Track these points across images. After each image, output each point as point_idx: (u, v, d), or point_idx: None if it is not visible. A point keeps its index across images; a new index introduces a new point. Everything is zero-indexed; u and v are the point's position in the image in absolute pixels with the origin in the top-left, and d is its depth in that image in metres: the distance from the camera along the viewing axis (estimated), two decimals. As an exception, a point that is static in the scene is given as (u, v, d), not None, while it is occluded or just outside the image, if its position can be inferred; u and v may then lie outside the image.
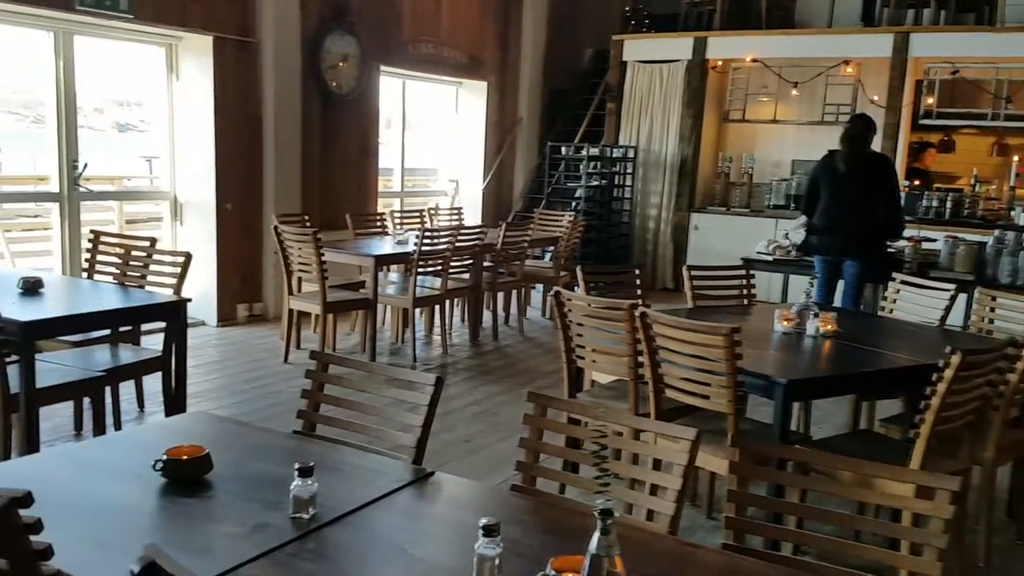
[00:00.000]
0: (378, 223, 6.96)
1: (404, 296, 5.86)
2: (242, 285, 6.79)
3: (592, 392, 3.80)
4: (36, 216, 8.10)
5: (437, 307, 6.31)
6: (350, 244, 6.13)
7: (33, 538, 1.40)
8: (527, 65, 9.42)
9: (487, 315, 6.82)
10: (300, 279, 5.76)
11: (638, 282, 4.47)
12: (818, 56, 8.41)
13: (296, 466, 1.80)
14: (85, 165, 5.82)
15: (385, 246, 6.16)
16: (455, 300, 6.92)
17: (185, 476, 1.92)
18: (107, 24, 5.66)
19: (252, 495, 1.91)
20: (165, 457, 1.92)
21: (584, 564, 1.45)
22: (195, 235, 6.52)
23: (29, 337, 3.33)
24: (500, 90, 9.23)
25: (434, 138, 9.68)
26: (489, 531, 1.57)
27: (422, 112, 9.64)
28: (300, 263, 5.62)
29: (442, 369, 5.80)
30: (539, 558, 1.61)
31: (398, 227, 6.95)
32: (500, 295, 6.96)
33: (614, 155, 9.03)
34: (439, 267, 5.86)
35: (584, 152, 8.86)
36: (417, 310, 6.08)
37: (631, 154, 9.14)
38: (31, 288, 3.79)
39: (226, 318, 6.66)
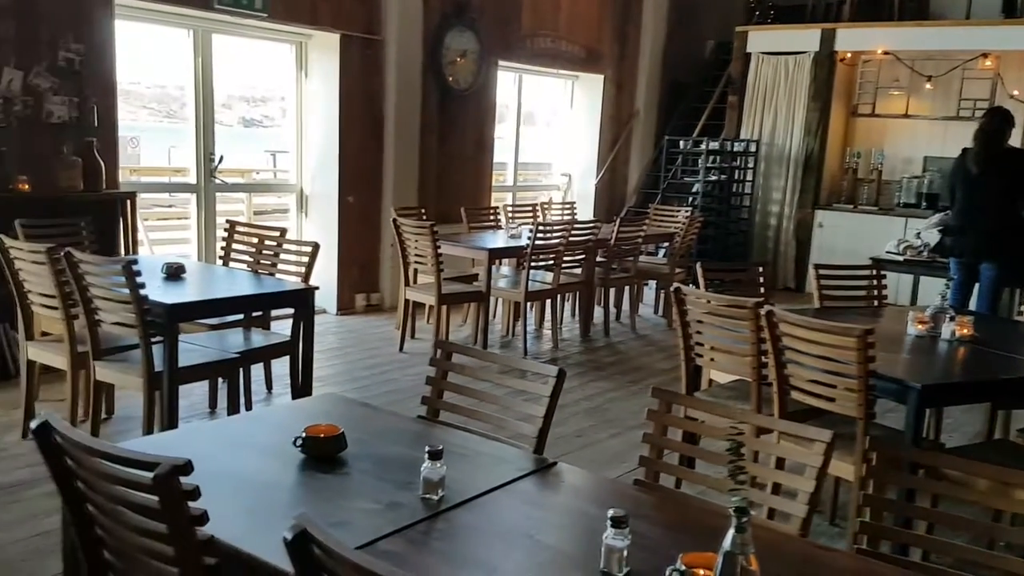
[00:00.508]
0: (491, 217, 7.04)
1: (516, 290, 5.91)
2: (360, 275, 7.01)
3: (710, 391, 3.74)
4: (170, 206, 8.61)
5: (548, 301, 6.33)
6: (464, 237, 6.23)
7: (191, 504, 1.50)
8: (645, 58, 9.31)
9: (598, 311, 6.79)
10: (416, 271, 5.90)
11: (761, 280, 4.36)
12: (954, 49, 7.95)
13: (427, 449, 1.85)
14: (221, 158, 6.14)
15: (498, 240, 6.23)
16: (567, 295, 6.92)
17: (322, 453, 2.01)
18: (242, 23, 5.94)
19: (383, 474, 1.98)
20: (304, 435, 2.01)
21: (717, 561, 1.44)
22: (318, 226, 6.77)
23: (173, 319, 3.54)
24: (617, 83, 9.16)
25: (548, 132, 9.71)
26: (618, 523, 1.58)
27: (537, 106, 9.68)
28: (416, 255, 5.75)
29: (552, 364, 5.81)
30: (665, 552, 1.61)
31: (511, 221, 7.01)
32: (612, 291, 6.91)
33: (735, 149, 8.82)
34: (552, 261, 5.88)
35: (703, 146, 8.69)
36: (528, 304, 6.12)
37: (753, 148, 8.90)
38: (174, 273, 4.03)
39: (345, 307, 6.89)
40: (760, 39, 8.98)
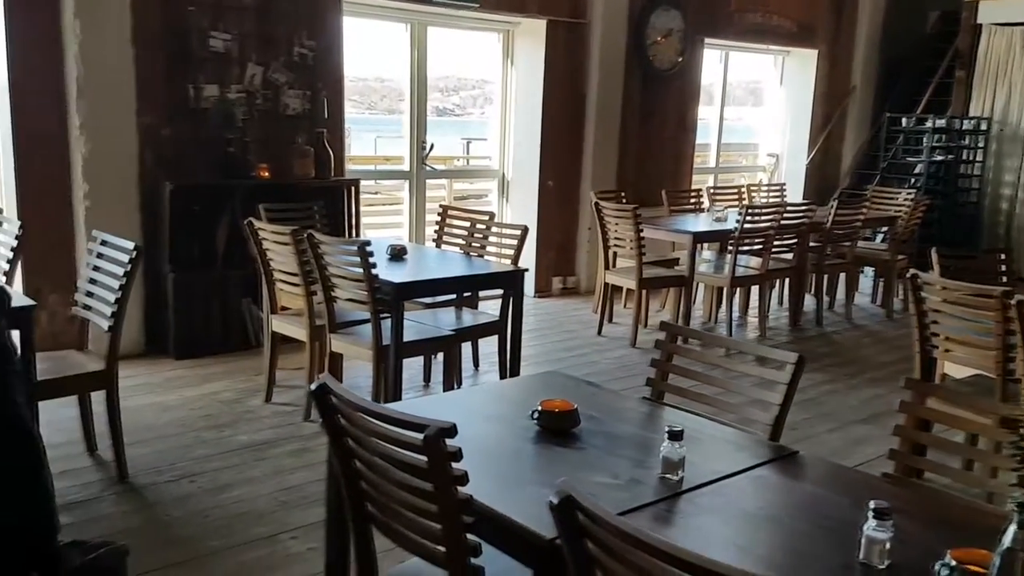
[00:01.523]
0: (692, 200, 6.89)
1: (720, 275, 5.76)
2: (557, 259, 7.10)
3: (945, 386, 3.46)
4: (376, 193, 9.12)
5: (754, 288, 6.11)
6: (665, 220, 6.14)
7: (454, 465, 1.58)
8: (863, 31, 8.72)
9: (808, 299, 6.48)
10: (615, 254, 5.89)
11: (1003, 268, 3.98)
12: None
13: (667, 429, 1.84)
14: (432, 146, 6.43)
15: (701, 223, 6.09)
16: (775, 281, 6.65)
17: (557, 427, 2.05)
18: (456, 14, 6.17)
19: (618, 451, 2.00)
20: (540, 408, 2.06)
21: (994, 559, 1.34)
22: (518, 210, 6.92)
23: (399, 297, 3.76)
24: (830, 59, 8.64)
25: (754, 111, 9.34)
26: (881, 514, 1.50)
27: (743, 84, 9.34)
28: (616, 238, 5.74)
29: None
30: (927, 547, 1.52)
31: (714, 204, 6.83)
32: (825, 278, 6.56)
33: (963, 127, 8.08)
34: (760, 246, 5.67)
35: (928, 124, 8.03)
36: (733, 290, 5.93)
37: (983, 126, 8.12)
38: (397, 255, 4.28)
39: (542, 290, 7.01)
40: (992, 9, 8.16)
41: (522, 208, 6.91)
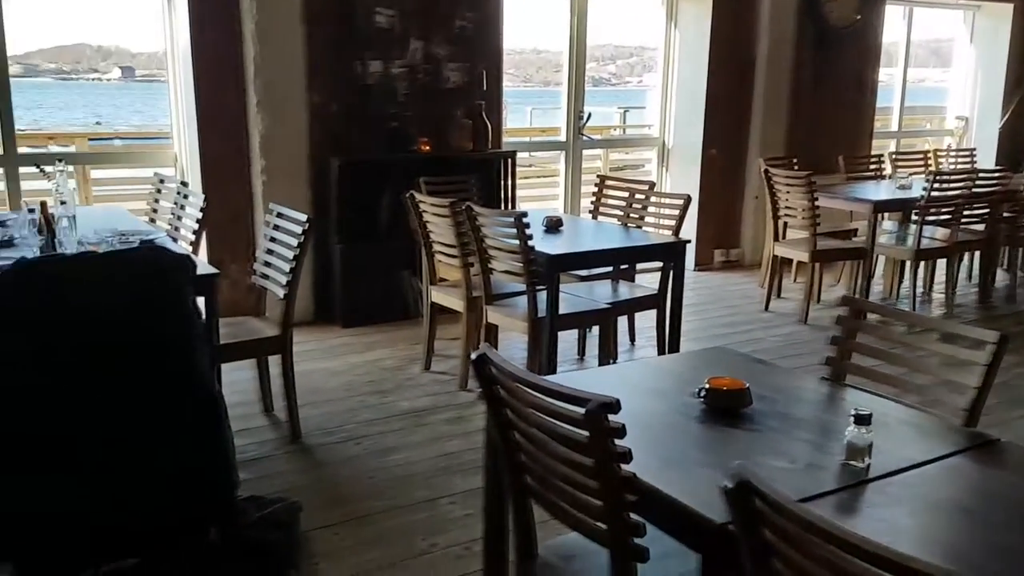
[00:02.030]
0: (872, 166, 6.41)
1: (903, 247, 5.33)
2: (719, 230, 6.83)
3: None
4: (530, 165, 9.12)
5: (940, 261, 5.61)
6: (841, 188, 5.74)
7: (617, 442, 1.51)
8: (1071, -24, 7.79)
9: (1000, 274, 5.89)
10: (785, 225, 5.58)
11: None
12: None
13: (853, 412, 1.69)
14: (589, 115, 6.33)
15: (882, 191, 5.65)
16: (963, 255, 6.09)
17: (725, 406, 1.94)
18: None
19: (794, 434, 1.86)
20: (708, 386, 1.95)
21: None
22: (678, 180, 6.70)
23: (555, 269, 3.72)
24: (1030, 11, 7.79)
25: (939, 72, 8.57)
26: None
27: (925, 44, 8.59)
28: (787, 208, 5.43)
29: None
30: None
31: (897, 170, 6.32)
32: (1021, 251, 5.94)
33: None
34: (948, 216, 5.19)
35: None
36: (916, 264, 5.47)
37: None
38: (553, 226, 4.23)
39: (702, 263, 6.77)
40: None
41: (683, 177, 6.68)
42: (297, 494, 2.95)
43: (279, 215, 3.61)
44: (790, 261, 5.83)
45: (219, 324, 3.24)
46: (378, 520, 2.90)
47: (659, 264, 4.40)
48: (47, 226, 3.15)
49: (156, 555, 2.60)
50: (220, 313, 3.36)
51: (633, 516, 1.57)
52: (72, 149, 7.32)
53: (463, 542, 2.77)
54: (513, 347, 4.55)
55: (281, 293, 3.42)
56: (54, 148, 7.42)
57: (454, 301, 4.14)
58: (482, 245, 3.82)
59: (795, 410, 2.00)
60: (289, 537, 2.69)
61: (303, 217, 3.42)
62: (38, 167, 3.90)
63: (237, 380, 3.79)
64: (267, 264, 3.58)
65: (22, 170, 4.58)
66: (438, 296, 4.25)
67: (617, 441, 1.50)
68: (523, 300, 3.79)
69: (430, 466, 3.31)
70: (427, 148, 5.21)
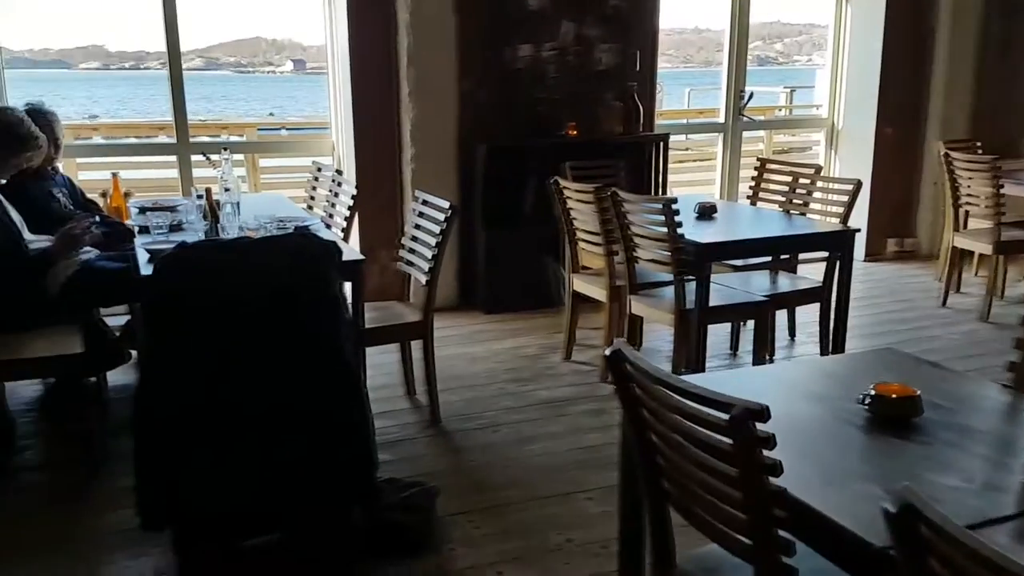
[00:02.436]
0: (1071, 150, 5.72)
1: (1110, 239, 4.70)
2: (892, 218, 6.32)
3: None
4: (687, 149, 8.81)
5: None
6: (1033, 174, 5.15)
7: (764, 453, 1.36)
8: None
9: None
10: (967, 213, 5.08)
11: None
12: None
13: (1048, 428, 1.45)
14: (751, 95, 6.01)
15: (1084, 178, 5.02)
16: None
17: (893, 415, 1.73)
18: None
19: (970, 449, 1.63)
20: (874, 392, 1.75)
21: None
22: (848, 163, 6.25)
23: (705, 258, 3.53)
24: None
25: None
26: None
27: None
28: (968, 195, 4.94)
29: None
30: None
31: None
32: None
33: None
34: None
35: None
36: None
37: None
38: (705, 213, 4.02)
39: (873, 253, 6.29)
40: None
41: (853, 161, 6.22)
42: (434, 479, 2.95)
43: (424, 202, 3.63)
44: (971, 253, 5.31)
45: (365, 309, 3.29)
46: (514, 510, 2.85)
47: (824, 254, 4.10)
48: (212, 212, 3.31)
49: (300, 531, 2.67)
50: (370, 298, 3.43)
51: (782, 533, 1.42)
52: (243, 138, 7.77)
53: (599, 540, 2.68)
54: (659, 340, 4.40)
55: (424, 279, 3.44)
56: (227, 137, 7.90)
57: (597, 290, 4.02)
58: (627, 232, 3.69)
59: (972, 421, 1.76)
60: (426, 521, 2.69)
61: (446, 204, 3.42)
62: (205, 156, 4.11)
63: (382, 363, 3.86)
64: (411, 250, 3.61)
65: (194, 158, 4.86)
66: (580, 285, 4.16)
67: (766, 451, 1.35)
68: (670, 291, 3.63)
69: (568, 459, 3.22)
70: (575, 132, 5.11)
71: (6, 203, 3.36)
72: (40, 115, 3.64)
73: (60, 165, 4.08)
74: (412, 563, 2.56)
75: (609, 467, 3.11)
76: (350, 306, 2.93)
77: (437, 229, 3.41)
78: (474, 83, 4.98)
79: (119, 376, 3.84)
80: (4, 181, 3.48)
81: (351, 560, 2.57)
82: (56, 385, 3.73)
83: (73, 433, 3.23)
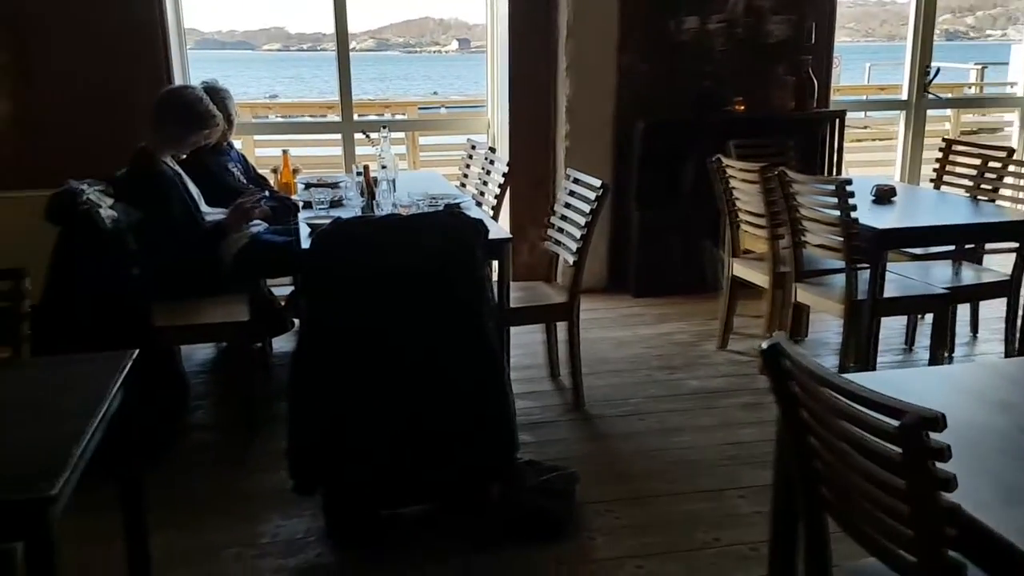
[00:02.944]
0: None
1: None
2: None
3: None
4: (865, 127, 8.20)
5: None
6: None
7: (938, 465, 1.20)
8: None
9: None
10: None
11: None
12: None
13: None
14: (937, 70, 5.50)
15: None
16: None
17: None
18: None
19: None
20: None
21: None
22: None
23: (881, 246, 3.25)
24: None
25: None
26: None
27: None
28: None
29: None
30: None
31: None
32: None
33: None
34: None
35: None
36: None
37: None
38: (883, 196, 3.72)
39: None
40: None
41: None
42: (576, 464, 2.89)
43: (575, 180, 3.56)
44: None
45: (511, 288, 3.27)
46: (658, 503, 2.75)
47: (1014, 245, 3.69)
48: (368, 189, 3.38)
49: (440, 506, 2.70)
50: (519, 277, 3.41)
51: (952, 553, 1.26)
52: (404, 117, 7.99)
53: (749, 542, 2.53)
54: (826, 331, 4.13)
55: (571, 259, 3.37)
56: (390, 116, 8.15)
57: (758, 276, 3.81)
58: (795, 215, 3.45)
59: None
60: (566, 507, 2.64)
61: (597, 183, 3.32)
62: (364, 134, 4.23)
63: (527, 343, 3.84)
64: (560, 230, 3.55)
65: (356, 136, 5.01)
66: (740, 270, 3.95)
67: (939, 464, 1.19)
68: (840, 279, 3.37)
69: (718, 453, 3.07)
70: (741, 108, 4.86)
71: (186, 177, 3.58)
72: (215, 92, 3.86)
73: (236, 142, 4.31)
74: (550, 548, 2.52)
75: (763, 465, 2.93)
76: (495, 285, 2.91)
77: (587, 208, 3.33)
78: (635, 57, 4.82)
79: (283, 343, 4.04)
80: (184, 156, 3.72)
81: (489, 539, 2.56)
82: (227, 350, 3.97)
83: (239, 396, 3.41)
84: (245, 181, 4.08)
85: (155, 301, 3.18)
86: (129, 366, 1.93)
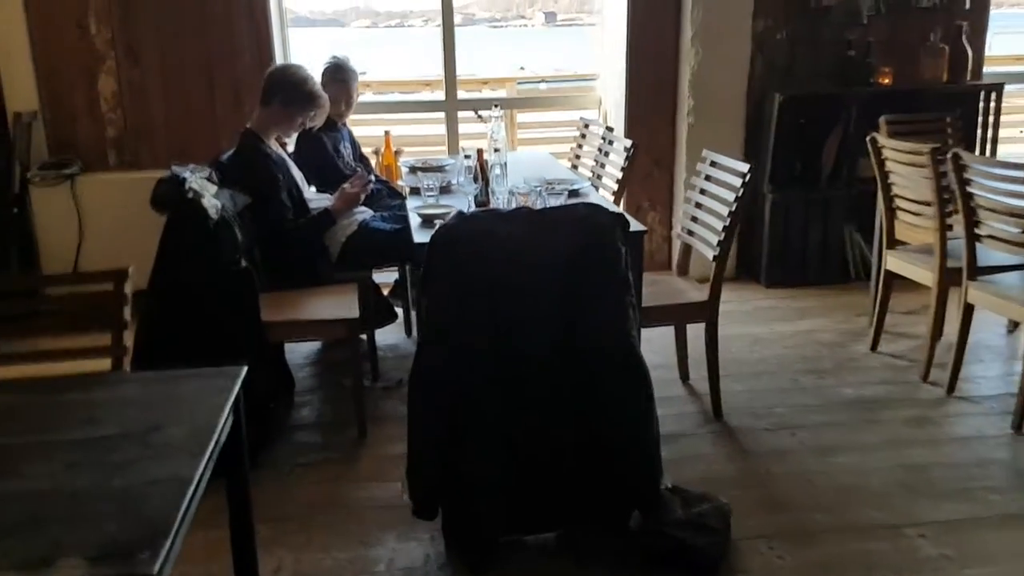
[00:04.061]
0: None
1: None
2: None
3: None
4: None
5: None
6: None
7: None
8: None
9: None
10: None
11: None
12: None
13: None
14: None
15: None
16: None
17: None
18: None
19: None
20: None
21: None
22: None
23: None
24: None
25: None
26: None
27: None
28: None
29: None
30: None
31: None
32: None
33: None
34: None
35: None
36: None
37: None
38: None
39: None
40: None
41: None
42: (722, 487, 2.54)
43: (712, 163, 3.18)
44: None
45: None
46: (824, 540, 2.37)
47: None
48: (481, 173, 3.08)
49: (575, 532, 2.40)
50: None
51: None
52: (503, 94, 7.65)
53: (939, 594, 2.15)
54: (992, 335, 3.66)
55: (711, 254, 2.99)
56: (487, 93, 7.82)
57: (919, 272, 3.35)
58: (970, 203, 2.99)
59: None
60: (718, 545, 2.30)
61: (743, 167, 2.93)
62: (476, 113, 3.93)
63: (650, 339, 3.45)
64: (694, 219, 3.18)
65: (460, 114, 4.71)
66: (896, 263, 3.50)
67: None
68: (1020, 278, 2.90)
69: (886, 479, 2.67)
70: (887, 80, 4.35)
71: (290, 162, 3.36)
72: (339, 71, 3.67)
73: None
74: (701, 591, 2.19)
75: (945, 496, 2.54)
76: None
77: (730, 197, 2.94)
78: (771, 23, 4.37)
79: (388, 335, 3.81)
80: (289, 138, 3.50)
81: (626, 573, 2.25)
82: (332, 341, 3.76)
83: (345, 391, 3.19)
84: (352, 162, 3.86)
85: (260, 292, 2.98)
86: (239, 385, 1.69)
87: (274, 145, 3.30)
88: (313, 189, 3.45)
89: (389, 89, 8.32)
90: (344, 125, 3.89)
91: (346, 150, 3.83)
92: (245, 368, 1.75)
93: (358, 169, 3.85)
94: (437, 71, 4.71)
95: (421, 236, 2.66)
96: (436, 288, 2.22)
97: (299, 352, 3.74)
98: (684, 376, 3.39)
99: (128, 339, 1.87)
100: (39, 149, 3.99)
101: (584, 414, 2.25)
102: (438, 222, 2.60)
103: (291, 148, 3.49)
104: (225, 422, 1.59)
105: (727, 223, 2.94)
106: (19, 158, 3.82)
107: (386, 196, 3.75)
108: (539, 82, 9.51)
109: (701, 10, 4.26)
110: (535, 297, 2.18)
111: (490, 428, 2.23)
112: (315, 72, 3.49)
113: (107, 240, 3.87)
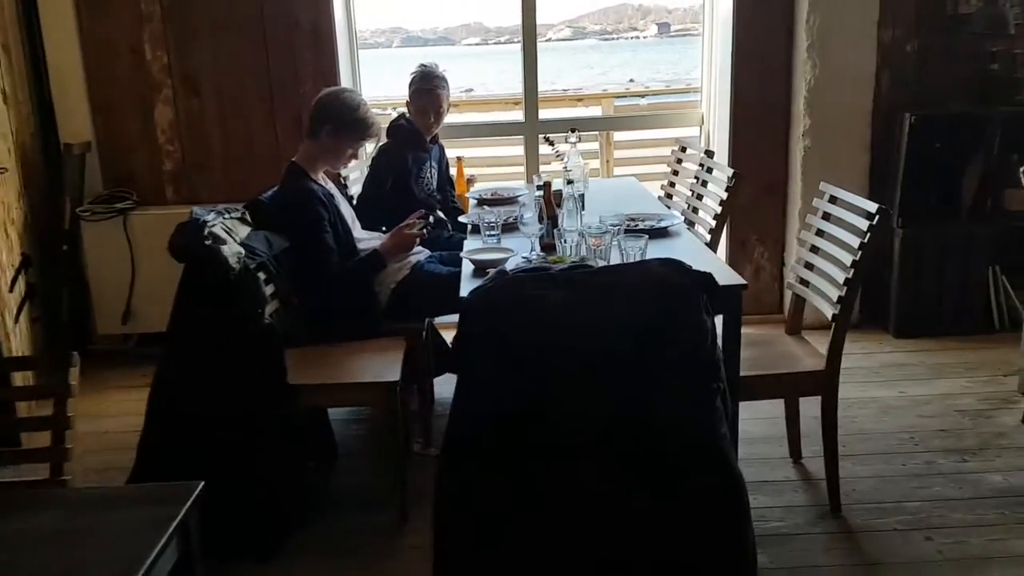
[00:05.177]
0: None
1: None
2: None
3: None
4: None
5: None
6: None
7: None
8: None
9: None
10: None
11: None
12: None
13: None
14: None
15: None
16: None
17: None
18: None
19: None
20: None
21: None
22: None
23: None
24: None
25: None
26: None
27: None
28: None
29: None
30: None
31: None
32: None
33: None
34: None
35: None
36: None
37: None
38: None
39: None
40: None
41: None
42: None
43: (832, 199, 2.63)
44: None
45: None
46: None
47: None
48: (549, 211, 2.63)
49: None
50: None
51: None
52: (598, 112, 7.18)
53: None
54: None
55: (830, 312, 2.44)
56: (583, 111, 7.37)
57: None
58: None
59: None
60: None
61: (870, 207, 2.39)
62: (547, 140, 3.49)
63: (756, 407, 2.92)
64: (808, 265, 2.64)
65: (542, 144, 4.28)
66: (1063, 319, 2.83)
67: None
68: None
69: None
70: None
71: (339, 197, 3.02)
72: (426, 78, 3.32)
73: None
74: None
75: None
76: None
77: (855, 242, 2.39)
78: (901, 33, 3.77)
79: (447, 386, 3.40)
80: (341, 170, 3.17)
81: None
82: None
83: (392, 455, 2.77)
84: (435, 186, 3.50)
85: (298, 346, 2.63)
86: (185, 513, 1.31)
87: (322, 179, 2.97)
88: (359, 228, 3.08)
89: (481, 109, 7.99)
90: (435, 143, 3.52)
91: (430, 173, 3.46)
92: (200, 485, 1.37)
93: (438, 198, 3.49)
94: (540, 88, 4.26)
95: (469, 286, 2.25)
96: (467, 361, 1.80)
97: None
98: (796, 454, 2.83)
99: (70, 441, 1.52)
100: (94, 183, 3.81)
101: (655, 521, 1.78)
102: (491, 271, 2.19)
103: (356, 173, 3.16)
104: (155, 563, 1.21)
105: (850, 275, 2.39)
106: (68, 192, 3.64)
107: (454, 232, 3.37)
108: (640, 98, 8.98)
109: (819, 17, 3.69)
110: (591, 379, 1.73)
111: (536, 537, 1.79)
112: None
113: (160, 278, 3.62)
